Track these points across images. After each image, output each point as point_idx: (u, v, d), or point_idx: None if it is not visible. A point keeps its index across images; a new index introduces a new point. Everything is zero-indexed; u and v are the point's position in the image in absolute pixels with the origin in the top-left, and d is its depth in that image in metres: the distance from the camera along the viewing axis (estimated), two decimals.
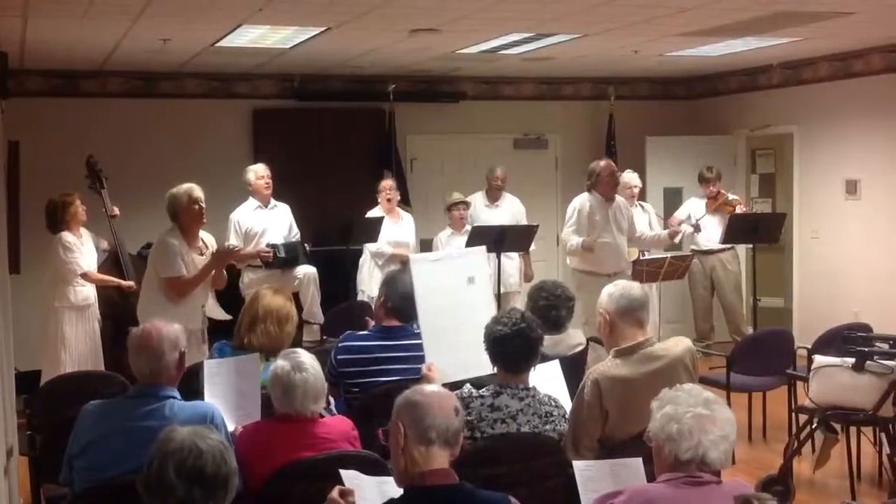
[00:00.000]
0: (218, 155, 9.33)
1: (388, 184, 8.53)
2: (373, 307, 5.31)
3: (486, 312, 4.24)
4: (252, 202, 7.57)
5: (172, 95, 9.39)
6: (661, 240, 8.35)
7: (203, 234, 6.20)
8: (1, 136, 6.34)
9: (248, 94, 9.64)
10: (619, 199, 7.80)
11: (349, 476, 2.98)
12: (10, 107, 6.95)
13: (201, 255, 6.07)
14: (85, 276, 6.98)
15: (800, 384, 5.99)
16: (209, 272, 6.02)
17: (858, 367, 5.17)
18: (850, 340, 5.38)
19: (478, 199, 8.92)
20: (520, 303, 8.26)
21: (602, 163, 7.76)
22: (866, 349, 5.23)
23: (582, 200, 7.64)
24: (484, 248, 4.84)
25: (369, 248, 8.25)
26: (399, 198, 8.60)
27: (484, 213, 8.77)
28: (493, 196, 8.95)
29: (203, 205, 6.05)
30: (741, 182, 10.51)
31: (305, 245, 7.62)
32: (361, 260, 8.38)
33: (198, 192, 6.04)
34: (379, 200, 8.40)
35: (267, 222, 7.53)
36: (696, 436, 2.63)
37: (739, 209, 8.97)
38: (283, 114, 9.66)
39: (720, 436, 2.65)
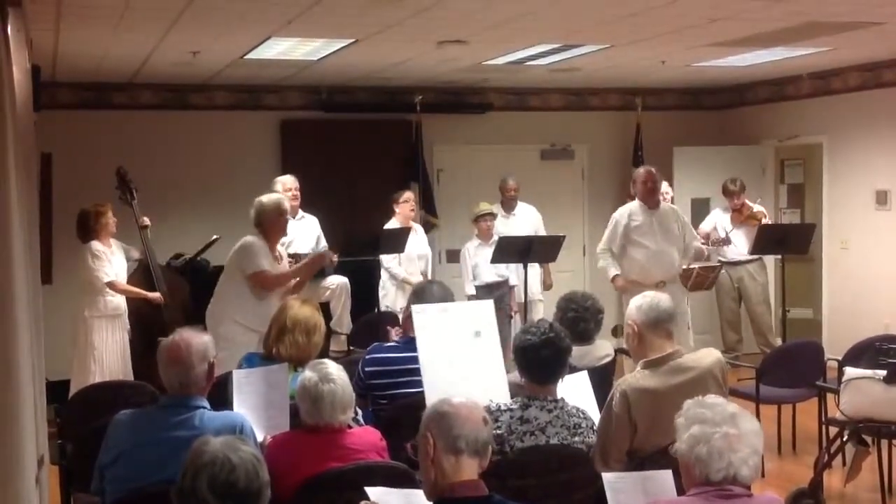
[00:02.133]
0: (246, 166, 9.38)
1: (411, 195, 8.56)
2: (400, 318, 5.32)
3: (493, 367, 4.24)
4: None
5: (201, 107, 9.46)
6: None
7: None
8: (34, 148, 6.41)
9: (276, 106, 9.69)
10: (667, 206, 7.78)
11: (376, 493, 2.99)
12: (43, 119, 7.02)
13: (278, 263, 6.19)
14: (111, 285, 7.03)
15: (830, 396, 5.94)
16: (301, 273, 6.23)
17: (890, 380, 5.12)
18: (881, 352, 5.33)
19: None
20: (542, 310, 8.33)
21: (641, 170, 7.76)
22: None
23: (622, 210, 7.64)
24: (492, 301, 4.72)
25: (385, 260, 8.19)
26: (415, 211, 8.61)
27: (500, 223, 8.74)
28: (508, 206, 8.98)
29: (288, 217, 6.30)
30: (769, 193, 10.43)
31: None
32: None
33: (286, 204, 6.26)
34: (397, 211, 8.38)
35: (294, 233, 7.53)
36: (727, 456, 2.60)
37: (764, 221, 8.91)
38: (310, 125, 9.70)
39: (749, 452, 2.62)
